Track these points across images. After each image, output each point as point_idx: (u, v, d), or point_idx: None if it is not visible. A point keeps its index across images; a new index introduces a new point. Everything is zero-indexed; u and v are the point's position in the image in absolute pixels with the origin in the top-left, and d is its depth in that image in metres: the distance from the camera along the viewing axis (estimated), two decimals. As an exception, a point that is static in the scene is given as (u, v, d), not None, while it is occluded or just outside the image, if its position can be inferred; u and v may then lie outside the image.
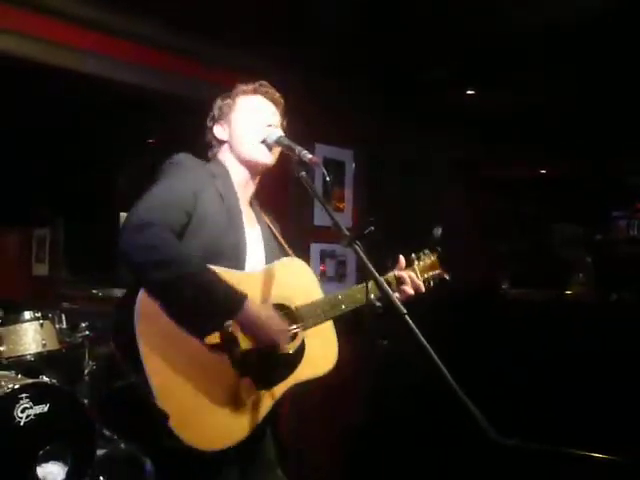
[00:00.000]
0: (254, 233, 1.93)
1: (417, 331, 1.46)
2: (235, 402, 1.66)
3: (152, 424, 1.56)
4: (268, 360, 1.73)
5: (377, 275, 1.62)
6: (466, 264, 4.48)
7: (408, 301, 2.04)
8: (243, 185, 1.94)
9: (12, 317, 3.51)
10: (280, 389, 1.77)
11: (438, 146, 5.27)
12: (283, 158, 1.93)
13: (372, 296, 1.97)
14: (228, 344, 1.65)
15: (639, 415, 3.74)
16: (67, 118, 4.77)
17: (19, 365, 3.42)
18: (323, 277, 4.32)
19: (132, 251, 1.58)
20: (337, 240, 1.75)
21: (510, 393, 4.15)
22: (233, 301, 1.61)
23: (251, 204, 2.00)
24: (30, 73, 3.43)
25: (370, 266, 1.62)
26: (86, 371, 3.71)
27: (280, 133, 1.91)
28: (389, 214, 4.68)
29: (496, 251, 6.12)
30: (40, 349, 3.50)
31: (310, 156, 1.76)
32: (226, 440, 1.64)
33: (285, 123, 2.02)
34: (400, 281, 2.07)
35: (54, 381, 3.26)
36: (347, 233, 1.67)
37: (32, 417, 2.97)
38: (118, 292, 3.63)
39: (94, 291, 4.06)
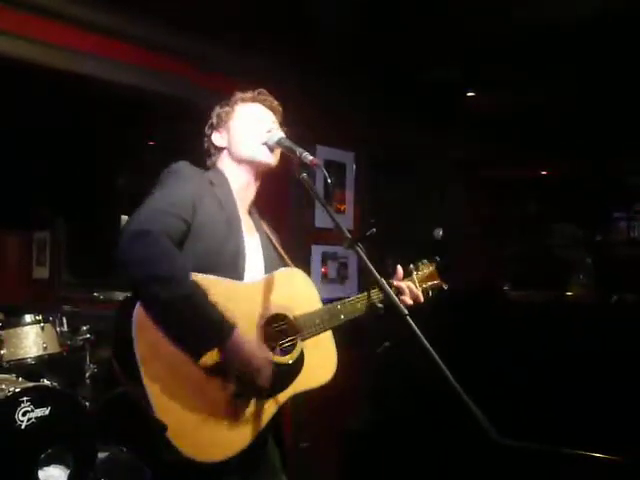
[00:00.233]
0: (253, 241, 1.92)
1: (419, 332, 1.46)
2: (234, 412, 1.64)
3: (150, 435, 1.53)
4: None
5: (378, 276, 1.62)
6: (466, 265, 4.49)
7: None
8: (243, 190, 1.92)
9: (13, 320, 3.52)
10: (280, 399, 1.76)
11: (438, 146, 5.27)
12: (284, 160, 1.93)
13: (374, 299, 1.97)
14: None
15: (639, 415, 3.74)
16: (67, 118, 4.76)
17: (20, 368, 3.42)
18: (324, 279, 4.31)
19: (131, 262, 1.56)
20: (339, 242, 1.74)
21: (510, 394, 4.15)
22: (224, 328, 1.58)
23: (250, 212, 1.98)
24: (30, 74, 3.42)
25: (372, 267, 1.62)
26: (87, 374, 3.71)
27: (281, 135, 1.89)
28: (390, 215, 4.68)
29: (496, 251, 6.11)
30: (41, 352, 3.50)
31: (311, 158, 1.75)
32: (227, 451, 1.61)
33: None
34: (399, 291, 2.05)
35: (55, 384, 3.26)
36: (348, 235, 1.67)
37: (33, 420, 2.96)
38: (119, 295, 3.62)
39: (95, 294, 4.05)
